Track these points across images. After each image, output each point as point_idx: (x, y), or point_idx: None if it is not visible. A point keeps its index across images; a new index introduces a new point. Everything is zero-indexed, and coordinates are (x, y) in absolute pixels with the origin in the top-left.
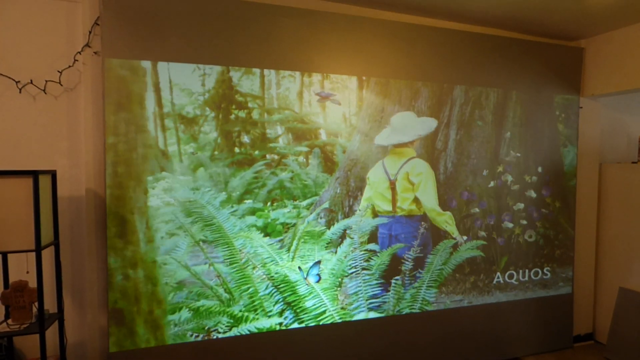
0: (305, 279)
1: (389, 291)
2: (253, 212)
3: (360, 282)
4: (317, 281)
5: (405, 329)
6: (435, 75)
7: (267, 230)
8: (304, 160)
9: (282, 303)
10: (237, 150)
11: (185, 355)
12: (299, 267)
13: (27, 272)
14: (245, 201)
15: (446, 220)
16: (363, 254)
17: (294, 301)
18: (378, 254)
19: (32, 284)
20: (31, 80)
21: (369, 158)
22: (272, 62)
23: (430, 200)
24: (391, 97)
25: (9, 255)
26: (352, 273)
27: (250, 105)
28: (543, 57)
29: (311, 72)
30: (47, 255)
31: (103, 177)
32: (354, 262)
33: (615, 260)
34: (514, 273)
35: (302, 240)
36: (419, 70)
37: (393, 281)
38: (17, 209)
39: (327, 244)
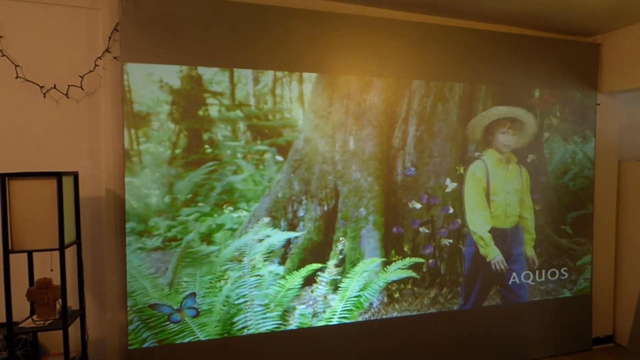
0: (179, 311)
1: (292, 324)
2: (197, 217)
3: (250, 315)
4: (195, 315)
5: (421, 330)
6: (443, 74)
7: (210, 238)
8: (265, 158)
9: (153, 341)
10: (207, 148)
11: (205, 352)
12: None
13: (51, 270)
14: (199, 204)
15: (481, 237)
16: (256, 279)
17: (165, 339)
18: (287, 278)
19: (56, 281)
20: (54, 86)
21: (313, 159)
22: (284, 64)
23: (468, 213)
24: (339, 91)
25: (34, 254)
26: (239, 304)
27: (211, 101)
28: (558, 53)
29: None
30: (70, 253)
31: (122, 178)
32: (242, 290)
33: (636, 260)
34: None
35: (182, 263)
36: (432, 69)
37: (298, 312)
38: (42, 209)
39: (221, 266)
